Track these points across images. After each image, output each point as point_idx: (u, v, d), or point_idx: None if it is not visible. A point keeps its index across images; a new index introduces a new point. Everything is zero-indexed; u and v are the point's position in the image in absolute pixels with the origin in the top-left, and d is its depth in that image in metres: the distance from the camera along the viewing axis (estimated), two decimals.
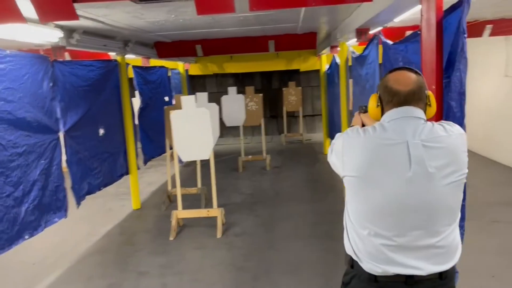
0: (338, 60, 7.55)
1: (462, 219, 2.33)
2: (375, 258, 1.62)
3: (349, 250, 1.73)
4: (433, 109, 1.68)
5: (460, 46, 2.11)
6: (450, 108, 2.24)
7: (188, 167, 8.23)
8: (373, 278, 1.63)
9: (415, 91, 1.62)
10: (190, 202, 6.18)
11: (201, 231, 5.19)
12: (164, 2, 3.07)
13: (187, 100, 5.03)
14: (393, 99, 1.64)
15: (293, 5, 2.45)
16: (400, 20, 3.92)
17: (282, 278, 3.88)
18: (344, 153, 1.68)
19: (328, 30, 6.20)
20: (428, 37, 2.21)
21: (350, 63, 5.92)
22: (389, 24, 4.11)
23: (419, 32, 2.77)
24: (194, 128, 4.94)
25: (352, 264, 1.72)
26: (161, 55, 6.75)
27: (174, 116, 4.99)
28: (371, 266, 1.63)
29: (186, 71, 9.87)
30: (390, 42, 3.72)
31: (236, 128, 9.48)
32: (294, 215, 5.57)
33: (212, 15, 3.74)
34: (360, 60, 5.04)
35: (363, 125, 2.12)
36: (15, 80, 3.66)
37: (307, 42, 6.37)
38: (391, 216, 1.59)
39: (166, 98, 8.28)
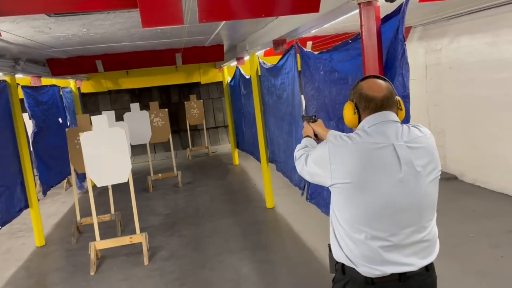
0: (242, 71, 7.68)
1: None
2: (372, 261, 1.64)
3: (341, 257, 1.72)
4: (403, 112, 1.79)
5: (400, 52, 2.27)
6: None
7: (86, 194, 7.59)
8: (370, 281, 1.65)
9: (389, 97, 1.72)
10: (103, 230, 5.67)
11: (124, 260, 4.79)
12: (81, 14, 2.78)
13: (98, 119, 4.63)
14: (370, 105, 1.71)
15: (243, 16, 2.39)
16: (315, 31, 4.11)
17: None
18: (332, 162, 1.67)
19: (235, 42, 6.26)
20: (370, 45, 2.34)
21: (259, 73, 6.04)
22: (304, 35, 4.29)
23: (350, 41, 2.92)
24: (109, 149, 4.56)
25: (344, 270, 1.71)
26: (55, 73, 6.13)
27: (85, 138, 4.55)
28: (368, 269, 1.65)
29: (78, 89, 9.14)
30: (309, 51, 3.87)
31: (138, 146, 9.03)
32: (220, 230, 5.45)
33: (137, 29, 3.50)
34: (274, 70, 5.16)
35: (315, 134, 2.18)
36: None
37: (214, 54, 6.35)
38: (387, 217, 1.63)
39: (60, 120, 7.55)
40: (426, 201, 1.66)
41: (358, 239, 1.65)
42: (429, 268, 1.70)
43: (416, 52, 6.94)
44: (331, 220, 1.78)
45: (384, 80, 1.77)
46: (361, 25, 2.38)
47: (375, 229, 1.63)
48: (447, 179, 6.48)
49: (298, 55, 4.15)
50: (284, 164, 5.57)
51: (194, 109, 10.99)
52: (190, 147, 11.22)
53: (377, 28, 2.31)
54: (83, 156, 4.59)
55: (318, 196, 4.26)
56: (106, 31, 3.76)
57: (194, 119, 11.05)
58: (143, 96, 11.45)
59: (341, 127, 3.30)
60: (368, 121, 1.71)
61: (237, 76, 8.13)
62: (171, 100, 11.87)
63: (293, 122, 4.80)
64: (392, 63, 2.39)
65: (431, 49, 6.69)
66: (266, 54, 6.59)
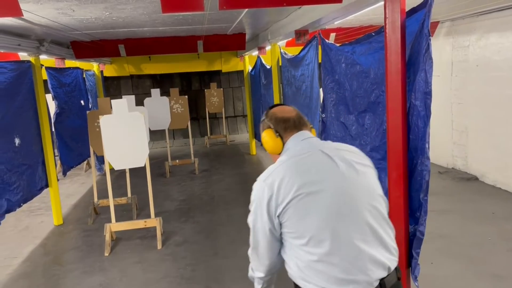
0: (263, 61, 7.64)
1: None
2: (351, 268, 1.55)
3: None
4: (314, 130, 1.87)
5: (425, 47, 2.20)
6: (414, 107, 2.34)
7: (105, 176, 7.72)
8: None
9: (300, 116, 1.84)
10: (119, 213, 5.78)
11: (138, 243, 4.86)
12: None
13: (118, 103, 4.67)
14: (288, 124, 1.79)
15: (264, 5, 2.36)
16: (338, 22, 4.05)
17: (235, 286, 3.78)
18: (276, 189, 1.60)
19: (257, 31, 6.21)
20: (393, 38, 2.28)
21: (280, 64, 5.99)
22: (327, 26, 4.22)
23: (373, 34, 2.86)
24: (127, 134, 4.61)
25: None
26: (78, 56, 6.21)
27: (104, 122, 4.60)
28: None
29: (101, 72, 9.25)
30: (332, 43, 3.81)
31: (157, 132, 9.09)
32: (234, 219, 5.48)
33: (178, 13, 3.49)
34: (294, 61, 5.11)
35: None
36: None
37: (236, 43, 6.31)
38: (347, 213, 1.58)
39: (82, 102, 7.67)
40: (370, 189, 1.66)
41: (322, 253, 1.55)
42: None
43: (442, 48, 6.76)
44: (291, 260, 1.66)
45: (287, 106, 1.90)
46: (385, 18, 2.32)
47: (340, 228, 1.56)
48: (468, 179, 6.34)
49: (319, 46, 4.09)
50: None
51: (214, 97, 11.01)
52: (209, 135, 11.27)
53: (401, 21, 2.25)
54: (102, 139, 4.65)
55: None
56: (128, 16, 3.77)
57: (213, 107, 11.08)
58: (164, 82, 11.53)
59: (361, 121, 3.25)
60: (292, 140, 1.77)
61: (258, 66, 8.09)
62: (192, 87, 11.93)
63: (309, 114, 4.75)
64: (415, 58, 2.33)
65: (459, 46, 6.51)
66: (288, 44, 6.52)
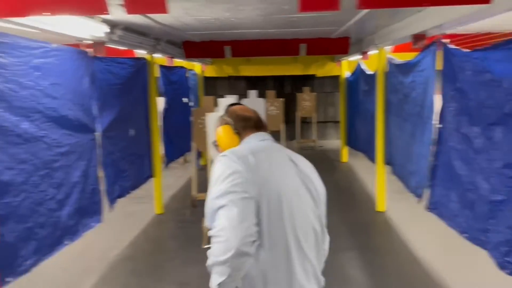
0: (364, 66, 7.42)
1: None
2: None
3: None
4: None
5: None
6: None
7: (202, 171, 8.02)
8: None
9: (260, 119, 1.85)
10: None
11: None
12: None
13: (224, 102, 4.82)
14: (248, 123, 1.80)
15: (406, 4, 2.27)
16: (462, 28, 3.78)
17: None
18: (253, 164, 1.60)
19: (362, 35, 6.05)
20: None
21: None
22: (449, 31, 3.96)
23: None
24: None
25: None
26: (188, 55, 6.53)
27: (211, 119, 4.78)
28: None
29: (202, 72, 9.67)
30: (457, 48, 3.56)
31: None
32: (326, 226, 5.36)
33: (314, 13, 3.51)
34: (404, 67, 4.88)
35: None
36: (59, 76, 3.44)
37: (339, 46, 6.20)
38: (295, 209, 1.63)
39: (185, 100, 8.07)
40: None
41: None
42: None
43: None
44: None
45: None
46: None
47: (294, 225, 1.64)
48: None
49: (439, 52, 3.85)
50: (400, 167, 5.28)
51: (306, 101, 10.97)
52: (298, 139, 11.24)
53: None
54: (205, 135, 4.84)
55: (442, 207, 3.94)
56: (245, 16, 3.86)
57: (305, 111, 11.05)
58: (258, 84, 11.74)
59: (489, 134, 2.99)
60: (252, 137, 1.77)
61: (358, 71, 7.88)
62: (284, 90, 12.00)
63: (420, 123, 4.50)
64: None
65: None
66: (395, 49, 6.26)
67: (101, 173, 4.22)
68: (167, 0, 2.06)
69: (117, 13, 2.18)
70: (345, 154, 9.27)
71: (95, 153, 4.06)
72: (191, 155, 6.19)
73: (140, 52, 5.93)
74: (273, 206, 1.57)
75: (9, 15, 2.33)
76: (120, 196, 4.74)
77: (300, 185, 1.68)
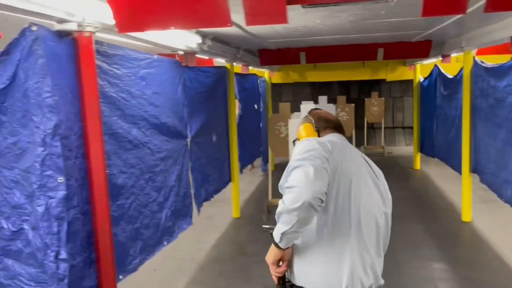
0: (441, 70, 7.15)
1: None
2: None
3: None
4: None
5: None
6: None
7: (273, 176, 8.08)
8: None
9: (340, 123, 2.06)
10: None
11: None
12: (331, 5, 2.90)
13: (306, 108, 4.86)
14: (329, 124, 2.00)
15: None
16: None
17: None
18: (331, 150, 1.76)
19: (445, 38, 5.84)
20: None
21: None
22: None
23: None
24: None
25: None
26: (263, 63, 6.65)
27: (292, 124, 4.85)
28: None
29: (270, 79, 9.78)
30: None
31: None
32: (407, 235, 5.21)
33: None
34: (497, 70, 4.65)
35: None
36: (159, 85, 3.63)
37: (420, 50, 6.02)
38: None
39: (256, 106, 8.21)
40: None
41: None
42: None
43: None
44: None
45: None
46: None
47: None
48: None
49: None
50: (492, 175, 5.01)
51: (374, 107, 10.74)
52: (365, 145, 11.03)
53: None
54: (280, 140, 4.91)
55: None
56: (335, 23, 3.87)
57: (373, 116, 10.82)
58: (323, 90, 11.66)
59: None
60: (330, 135, 1.94)
61: (435, 75, 7.61)
62: (350, 95, 11.82)
63: None
64: None
65: None
66: (479, 52, 5.97)
67: (190, 177, 4.39)
68: (287, 10, 2.11)
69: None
70: (418, 161, 8.96)
71: (187, 158, 4.24)
72: (260, 161, 6.28)
73: (219, 61, 6.13)
74: (342, 189, 1.71)
75: (133, 29, 2.46)
76: (206, 199, 4.91)
77: (370, 181, 1.81)
